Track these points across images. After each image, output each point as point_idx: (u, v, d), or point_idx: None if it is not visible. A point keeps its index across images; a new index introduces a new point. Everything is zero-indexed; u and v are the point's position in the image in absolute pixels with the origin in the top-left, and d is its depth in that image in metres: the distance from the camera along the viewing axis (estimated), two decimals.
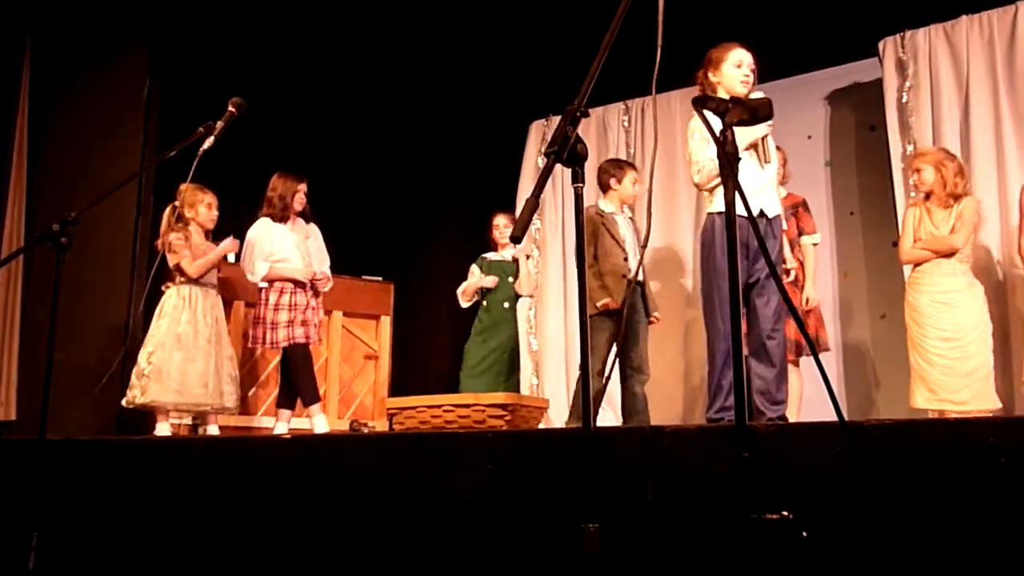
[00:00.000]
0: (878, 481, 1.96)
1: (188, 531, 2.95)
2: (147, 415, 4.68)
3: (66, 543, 3.02)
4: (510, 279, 5.26)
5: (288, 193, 4.73)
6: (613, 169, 4.72)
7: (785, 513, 1.62)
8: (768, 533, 1.60)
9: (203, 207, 4.73)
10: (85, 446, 3.40)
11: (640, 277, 4.63)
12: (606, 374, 4.32)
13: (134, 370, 4.53)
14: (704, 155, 3.49)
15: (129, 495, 3.12)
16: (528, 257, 5.38)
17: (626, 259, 4.55)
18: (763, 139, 3.54)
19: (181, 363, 4.48)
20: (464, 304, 5.29)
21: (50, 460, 3.06)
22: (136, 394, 4.46)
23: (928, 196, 4.46)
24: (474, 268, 5.32)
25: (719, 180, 3.46)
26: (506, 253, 5.33)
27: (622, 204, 4.75)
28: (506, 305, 5.22)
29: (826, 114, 5.84)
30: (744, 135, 3.52)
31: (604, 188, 4.72)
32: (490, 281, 5.23)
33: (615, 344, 4.49)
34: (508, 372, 5.12)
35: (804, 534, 1.66)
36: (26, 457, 3.25)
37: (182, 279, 4.64)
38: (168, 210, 4.71)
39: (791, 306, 2.05)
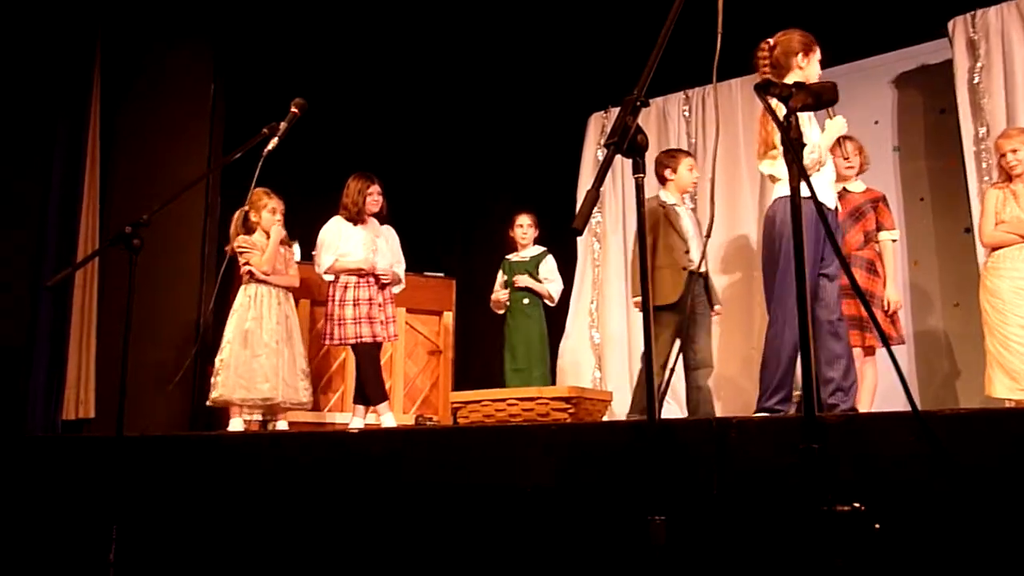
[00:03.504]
0: (953, 472, 1.91)
1: (259, 523, 3.02)
2: (219, 412, 4.81)
3: (144, 535, 3.10)
4: (528, 276, 5.26)
5: (359, 195, 4.82)
6: (667, 160, 4.68)
7: (857, 505, 1.59)
8: (839, 526, 1.57)
9: (267, 212, 4.83)
10: (160, 442, 3.49)
11: (703, 269, 4.59)
12: (669, 367, 4.28)
13: (213, 370, 4.66)
14: (813, 138, 3.43)
15: (203, 489, 3.19)
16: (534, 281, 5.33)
17: (688, 251, 4.50)
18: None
19: (248, 360, 4.59)
20: (499, 313, 5.35)
21: (128, 456, 3.14)
22: (212, 392, 4.60)
23: (1011, 178, 4.32)
24: (499, 274, 5.37)
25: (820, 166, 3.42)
26: (526, 253, 5.34)
27: (682, 194, 4.70)
28: (526, 302, 5.23)
29: (893, 98, 5.69)
30: (831, 130, 3.50)
31: (661, 180, 4.68)
32: (504, 295, 5.28)
33: (678, 337, 4.44)
34: (535, 370, 5.12)
35: (876, 527, 1.62)
36: (105, 453, 3.36)
37: (249, 278, 4.74)
38: (237, 214, 4.82)
39: (862, 298, 2.01)
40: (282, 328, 4.73)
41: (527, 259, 5.33)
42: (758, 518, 2.15)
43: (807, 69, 3.53)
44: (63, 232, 5.35)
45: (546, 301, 5.34)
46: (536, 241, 5.42)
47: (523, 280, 5.23)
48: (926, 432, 1.94)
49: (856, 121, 5.25)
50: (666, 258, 4.49)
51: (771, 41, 3.59)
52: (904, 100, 5.67)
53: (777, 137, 3.46)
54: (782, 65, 3.54)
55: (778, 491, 2.11)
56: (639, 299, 4.53)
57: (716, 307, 4.67)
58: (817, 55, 3.57)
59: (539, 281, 5.26)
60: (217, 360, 4.64)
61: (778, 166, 3.52)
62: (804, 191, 1.67)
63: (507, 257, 5.41)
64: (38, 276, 5.21)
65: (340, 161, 5.40)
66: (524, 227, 5.35)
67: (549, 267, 5.35)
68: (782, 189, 3.53)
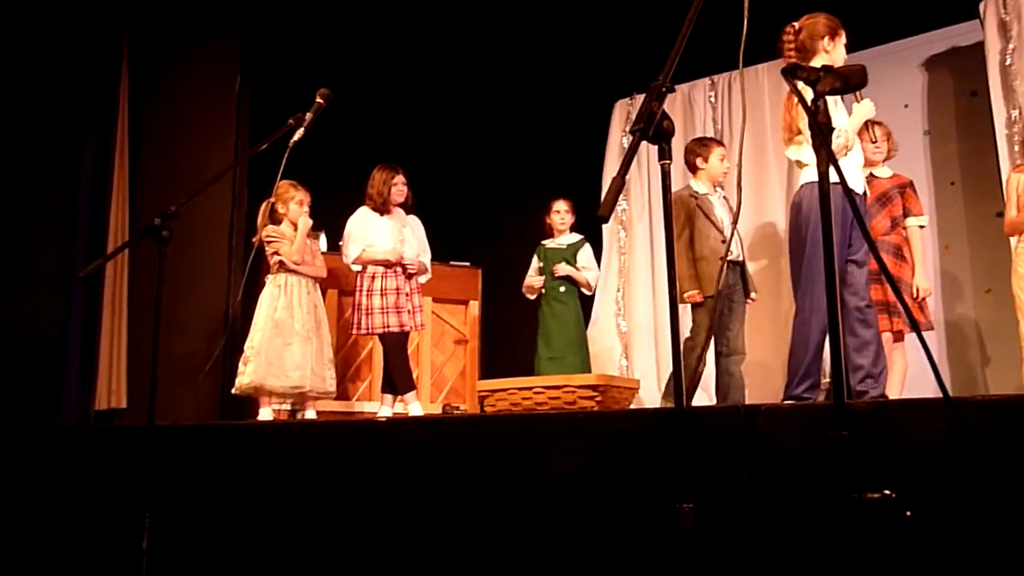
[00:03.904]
0: (985, 459, 1.89)
1: (289, 510, 3.04)
2: (248, 401, 4.85)
3: (176, 523, 3.14)
4: (566, 264, 5.22)
5: (384, 185, 4.84)
6: (698, 148, 4.65)
7: (887, 492, 1.57)
8: (869, 513, 1.56)
9: (294, 204, 4.85)
10: (191, 431, 3.53)
11: (740, 257, 4.57)
12: (702, 356, 4.27)
13: (241, 358, 4.70)
14: (840, 122, 3.40)
15: (233, 477, 3.23)
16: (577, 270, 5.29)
17: (724, 240, 4.47)
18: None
19: (279, 348, 4.63)
20: (531, 298, 5.32)
21: (159, 445, 3.18)
22: (241, 380, 4.63)
23: None
24: (534, 260, 5.34)
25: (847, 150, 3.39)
26: (563, 240, 5.31)
27: (713, 183, 4.67)
28: (562, 290, 5.21)
29: (923, 81, 5.62)
30: (858, 114, 3.46)
31: (692, 169, 4.65)
32: (538, 281, 5.24)
33: (710, 327, 4.42)
34: (571, 357, 5.09)
35: (908, 514, 1.61)
36: (137, 442, 3.40)
37: (278, 268, 4.78)
38: (264, 205, 4.85)
39: (891, 282, 1.99)
40: (311, 318, 4.77)
41: (564, 246, 5.29)
42: (787, 506, 2.14)
43: (833, 53, 3.49)
44: (94, 225, 5.42)
45: (583, 290, 5.32)
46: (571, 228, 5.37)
47: (563, 269, 5.19)
48: (957, 418, 1.92)
49: (885, 105, 5.19)
50: (704, 248, 4.46)
51: (796, 25, 3.55)
52: (934, 83, 5.59)
53: (803, 122, 3.44)
54: (808, 49, 3.51)
55: (807, 479, 2.10)
56: (692, 293, 4.45)
57: (752, 295, 4.65)
58: (843, 39, 3.53)
59: (577, 270, 5.23)
60: (247, 347, 4.67)
61: (804, 151, 3.49)
62: (832, 176, 1.65)
63: (543, 243, 5.37)
64: (70, 269, 5.29)
65: (365, 151, 5.41)
66: (561, 213, 5.30)
67: (587, 255, 5.30)
68: (809, 174, 3.50)
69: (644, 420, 2.62)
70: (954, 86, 5.51)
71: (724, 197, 4.75)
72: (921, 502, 1.88)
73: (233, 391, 4.73)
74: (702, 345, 4.38)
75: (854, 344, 3.39)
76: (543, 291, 5.25)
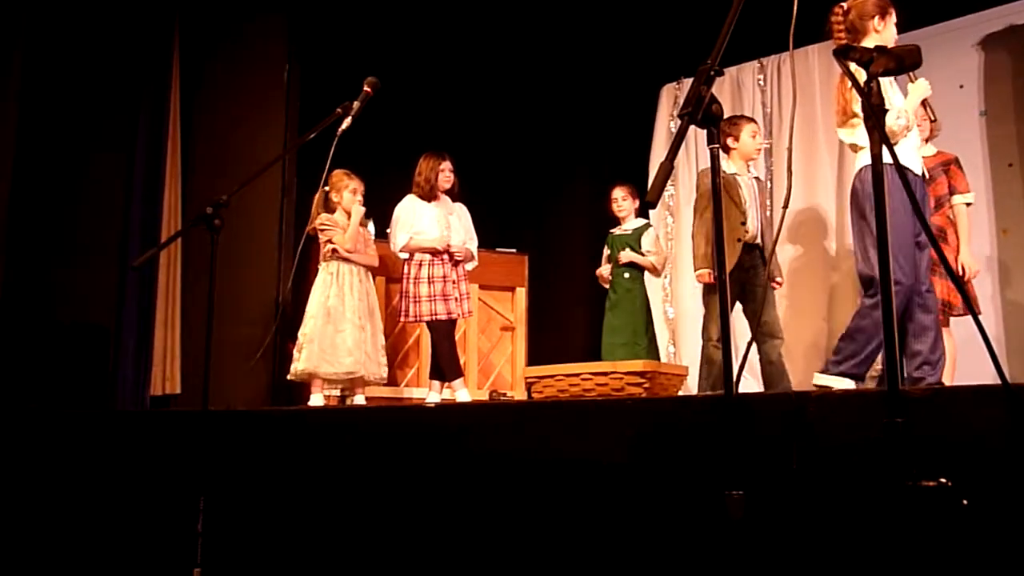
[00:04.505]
0: None
1: (338, 493, 3.08)
2: (298, 387, 4.91)
3: (230, 506, 3.20)
4: (630, 250, 5.19)
5: (432, 172, 4.87)
6: (728, 128, 4.57)
7: (943, 480, 1.55)
8: (925, 501, 1.54)
9: (348, 192, 4.89)
10: (244, 416, 3.59)
11: (758, 240, 4.49)
12: (736, 340, 4.23)
13: (295, 345, 4.77)
14: (897, 103, 3.34)
15: (284, 460, 3.28)
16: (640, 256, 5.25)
17: (744, 222, 4.41)
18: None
19: (331, 335, 4.69)
20: (605, 287, 5.30)
21: (213, 429, 3.24)
22: (295, 366, 4.70)
23: None
24: (605, 249, 5.33)
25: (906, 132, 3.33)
26: (628, 225, 5.27)
27: (746, 162, 4.60)
28: (627, 276, 5.17)
29: (979, 61, 5.48)
30: (915, 93, 3.40)
31: (724, 149, 4.59)
32: (606, 270, 5.24)
33: (721, 310, 4.37)
34: (641, 342, 5.07)
35: (964, 502, 1.58)
36: (191, 427, 3.47)
37: (331, 256, 4.83)
38: (318, 194, 4.90)
39: (947, 266, 1.95)
40: (364, 305, 4.81)
41: (629, 232, 5.25)
42: (839, 493, 2.11)
43: (884, 32, 3.42)
44: (147, 214, 5.49)
45: (651, 275, 5.29)
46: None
47: (625, 256, 5.16)
48: (1016, 405, 1.88)
49: (940, 85, 5.06)
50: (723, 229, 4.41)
51: (845, 5, 3.48)
52: (991, 62, 5.45)
53: (857, 104, 3.37)
54: (857, 29, 3.44)
55: (860, 466, 2.08)
56: (702, 272, 4.50)
57: (776, 279, 4.60)
58: (893, 17, 3.45)
59: (641, 255, 5.20)
60: (300, 335, 4.74)
61: (859, 134, 3.42)
62: (887, 158, 1.62)
63: (611, 231, 5.34)
64: (125, 257, 5.37)
65: (412, 138, 5.43)
66: (619, 200, 5.26)
67: (651, 239, 5.25)
68: (865, 157, 3.43)
69: (692, 407, 2.60)
70: (1011, 65, 5.36)
71: (756, 178, 4.68)
72: (978, 491, 1.84)
73: (288, 377, 4.81)
74: (717, 337, 4.31)
75: (913, 329, 3.32)
76: (611, 278, 5.24)
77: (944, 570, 1.71)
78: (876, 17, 3.42)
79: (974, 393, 2.07)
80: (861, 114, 3.33)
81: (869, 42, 3.39)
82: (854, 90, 2.98)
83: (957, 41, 5.46)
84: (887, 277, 1.62)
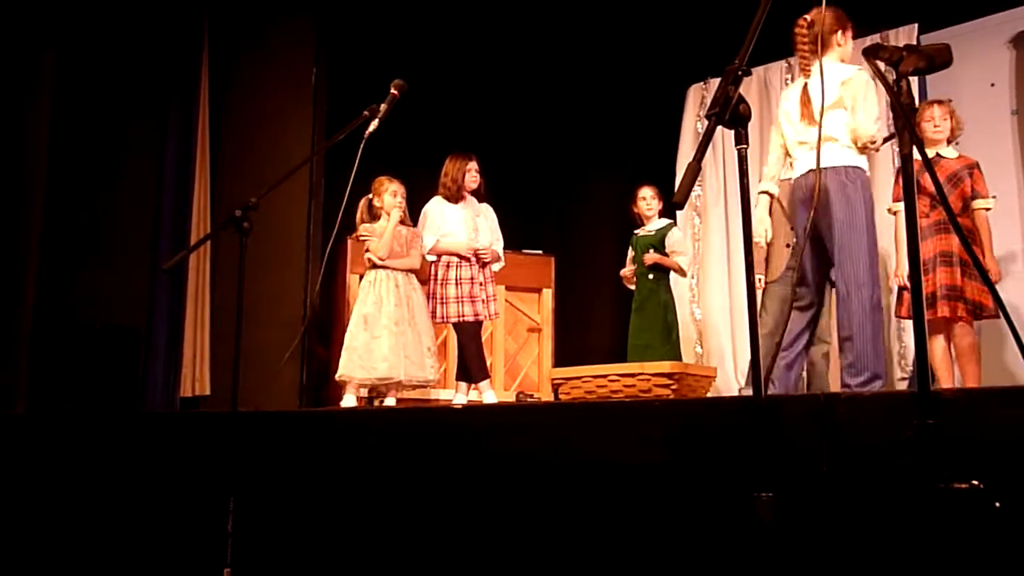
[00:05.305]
0: None
1: (366, 494, 3.10)
2: (327, 389, 4.94)
3: (260, 507, 3.23)
4: (653, 251, 5.16)
5: (458, 173, 4.87)
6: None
7: (975, 483, 1.53)
8: (957, 504, 1.52)
9: (388, 195, 4.87)
10: (273, 417, 3.62)
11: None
12: (778, 344, 4.20)
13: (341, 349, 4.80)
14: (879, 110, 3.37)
15: (313, 461, 3.30)
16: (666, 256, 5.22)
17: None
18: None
19: (367, 341, 4.70)
20: (630, 288, 5.28)
21: (242, 430, 3.27)
22: (339, 370, 4.74)
23: None
24: (629, 250, 5.32)
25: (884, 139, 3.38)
26: (651, 226, 5.25)
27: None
28: (651, 276, 5.14)
29: (1011, 58, 5.41)
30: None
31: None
32: (630, 270, 5.21)
33: (779, 313, 4.34)
34: (666, 343, 5.03)
35: (997, 505, 1.56)
36: (221, 428, 3.50)
37: (371, 265, 4.84)
38: (362, 202, 4.90)
39: (979, 267, 1.93)
40: (402, 309, 4.76)
41: (652, 232, 5.23)
42: (870, 495, 2.09)
43: (844, 47, 3.55)
44: (177, 216, 5.55)
45: (676, 274, 5.27)
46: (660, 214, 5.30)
47: (649, 257, 5.13)
48: None
49: (971, 84, 5.03)
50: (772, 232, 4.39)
51: (808, 18, 3.52)
52: (1022, 60, 5.38)
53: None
54: (823, 43, 3.49)
55: (890, 468, 2.06)
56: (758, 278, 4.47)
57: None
58: (851, 32, 3.54)
59: (666, 255, 5.17)
60: (345, 340, 4.78)
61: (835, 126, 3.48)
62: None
63: (635, 232, 5.32)
64: (155, 260, 5.43)
65: (438, 139, 5.44)
66: (647, 199, 5.23)
67: (675, 239, 5.21)
68: (843, 155, 3.49)
69: (721, 408, 2.59)
70: None
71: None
72: (1011, 493, 1.82)
73: (337, 377, 4.83)
74: (771, 330, 4.29)
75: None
76: (635, 280, 5.22)
77: (977, 573, 1.69)
78: (839, 31, 3.52)
79: (1006, 394, 2.04)
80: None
81: (832, 55, 3.52)
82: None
83: (988, 39, 5.40)
84: (918, 280, 1.61)
